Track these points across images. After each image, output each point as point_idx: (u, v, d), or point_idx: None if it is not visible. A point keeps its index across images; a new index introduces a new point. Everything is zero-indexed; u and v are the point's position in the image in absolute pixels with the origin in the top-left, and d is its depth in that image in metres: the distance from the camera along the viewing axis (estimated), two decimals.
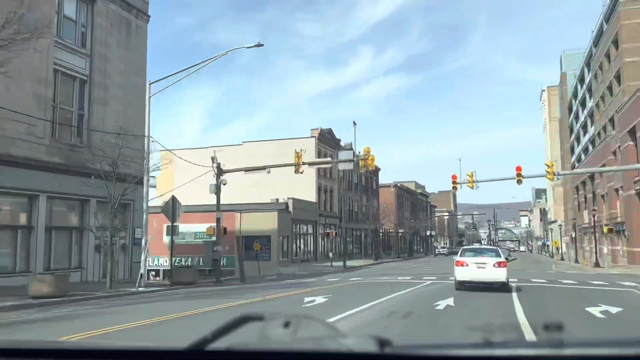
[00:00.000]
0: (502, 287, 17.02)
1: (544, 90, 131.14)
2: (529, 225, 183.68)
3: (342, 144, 64.00)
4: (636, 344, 1.09)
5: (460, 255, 18.19)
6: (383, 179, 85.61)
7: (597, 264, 37.94)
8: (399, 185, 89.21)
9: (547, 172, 28.71)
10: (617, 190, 46.43)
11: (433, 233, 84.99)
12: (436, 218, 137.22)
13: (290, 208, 47.30)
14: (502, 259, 17.39)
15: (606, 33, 48.48)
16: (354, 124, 33.31)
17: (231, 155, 48.18)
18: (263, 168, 26.68)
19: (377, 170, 79.03)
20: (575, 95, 71.43)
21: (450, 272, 23.94)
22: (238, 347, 1.26)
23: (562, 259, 62.00)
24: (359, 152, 24.64)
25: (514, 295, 16.08)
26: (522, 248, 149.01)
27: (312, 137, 53.08)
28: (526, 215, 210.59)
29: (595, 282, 23.01)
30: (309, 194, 52.59)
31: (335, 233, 46.00)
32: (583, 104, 65.61)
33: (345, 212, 63.60)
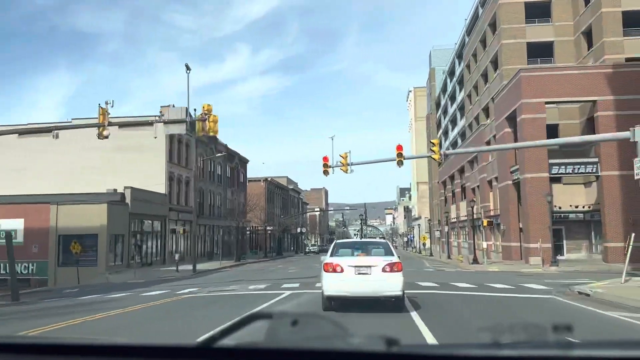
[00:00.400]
0: (394, 304, 10.94)
1: (410, 91, 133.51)
2: (394, 223, 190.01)
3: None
4: None
5: (332, 254, 11.49)
6: (257, 175, 78.50)
7: (475, 261, 34.05)
8: (269, 179, 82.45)
9: (433, 150, 23.45)
10: (490, 182, 43.89)
11: (304, 230, 79.55)
12: (308, 215, 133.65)
13: (129, 200, 37.81)
14: (396, 259, 11.12)
15: (482, 17, 46.00)
16: (187, 68, 25.21)
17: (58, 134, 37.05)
18: (47, 131, 17.74)
19: (245, 162, 71.38)
20: (444, 90, 70.20)
21: (319, 275, 17.15)
22: (246, 345, 1.25)
23: (431, 254, 59.53)
24: (195, 111, 16.86)
25: (417, 319, 9.56)
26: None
27: (161, 115, 43.64)
28: (391, 214, 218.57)
29: (497, 286, 17.76)
30: (159, 185, 43.30)
31: (184, 230, 37.50)
32: (453, 97, 64.13)
33: (206, 207, 55.05)
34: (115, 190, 38.71)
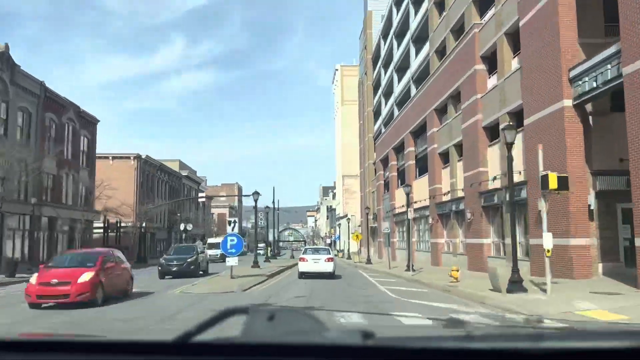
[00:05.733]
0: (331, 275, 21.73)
1: (337, 70, 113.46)
2: (315, 225, 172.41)
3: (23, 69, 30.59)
4: (613, 336, 1.07)
5: (304, 253, 23.96)
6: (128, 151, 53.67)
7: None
8: (143, 157, 57.88)
9: None
10: (446, 153, 23.92)
11: (189, 227, 55.83)
12: (216, 215, 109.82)
13: None
14: (332, 255, 23.19)
15: None
16: None
17: None
18: None
19: (92, 122, 46.67)
20: (386, 32, 49.41)
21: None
22: (223, 340, 1.25)
23: (369, 261, 38.01)
24: None
25: None
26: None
27: None
28: (313, 216, 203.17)
29: None
30: None
31: None
32: (401, 35, 43.37)
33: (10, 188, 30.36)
34: None
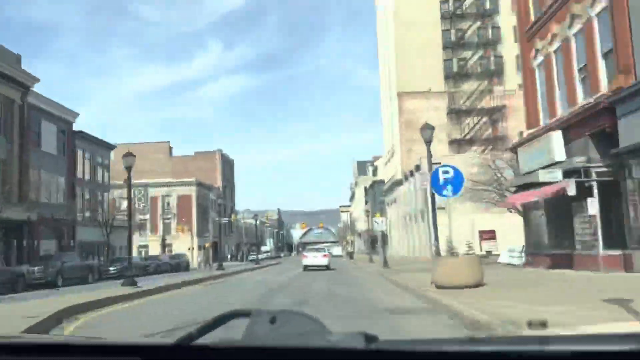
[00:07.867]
0: (327, 268, 32.11)
1: None
2: (350, 218, 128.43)
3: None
4: (621, 340, 1.08)
5: (306, 251, 36.81)
6: None
7: None
8: None
9: None
10: None
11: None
12: (174, 196, 64.51)
13: None
14: (327, 253, 34.88)
15: None
16: None
17: None
18: None
19: None
20: None
21: None
22: (224, 343, 1.30)
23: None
24: None
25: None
26: (337, 251, 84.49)
27: None
28: (347, 211, 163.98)
29: None
30: None
31: None
32: None
33: None
34: None
